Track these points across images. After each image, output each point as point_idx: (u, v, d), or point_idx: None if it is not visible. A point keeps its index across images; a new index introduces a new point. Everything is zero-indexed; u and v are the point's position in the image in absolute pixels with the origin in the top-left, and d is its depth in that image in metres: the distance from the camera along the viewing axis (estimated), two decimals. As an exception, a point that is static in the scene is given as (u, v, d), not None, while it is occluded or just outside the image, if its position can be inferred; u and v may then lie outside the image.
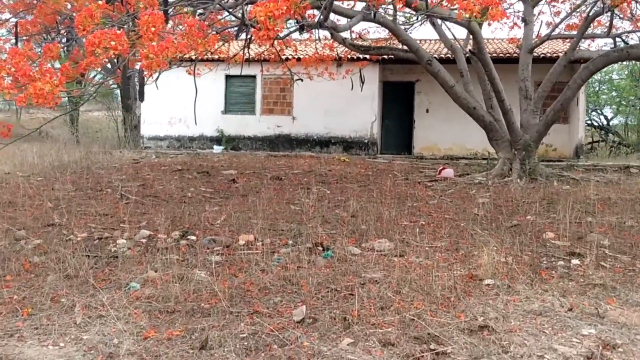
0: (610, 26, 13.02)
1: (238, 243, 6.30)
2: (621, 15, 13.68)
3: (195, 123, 15.44)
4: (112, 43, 4.43)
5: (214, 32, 12.14)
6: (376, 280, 5.05)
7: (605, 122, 28.30)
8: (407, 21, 14.07)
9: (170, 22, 8.00)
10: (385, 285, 4.92)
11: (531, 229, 7.28)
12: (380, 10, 11.27)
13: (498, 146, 12.80)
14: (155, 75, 7.20)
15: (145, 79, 15.37)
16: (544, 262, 5.84)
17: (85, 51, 4.85)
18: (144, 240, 6.48)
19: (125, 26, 5.81)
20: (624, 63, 23.62)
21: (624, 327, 4.17)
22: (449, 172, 12.36)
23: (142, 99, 19.48)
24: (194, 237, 6.59)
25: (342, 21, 11.31)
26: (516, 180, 11.39)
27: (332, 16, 10.59)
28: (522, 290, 4.91)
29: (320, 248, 6.11)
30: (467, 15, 4.86)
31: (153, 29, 4.58)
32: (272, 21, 4.28)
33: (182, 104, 18.71)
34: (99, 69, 22.57)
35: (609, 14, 12.50)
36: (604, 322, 4.26)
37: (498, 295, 4.78)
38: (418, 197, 9.67)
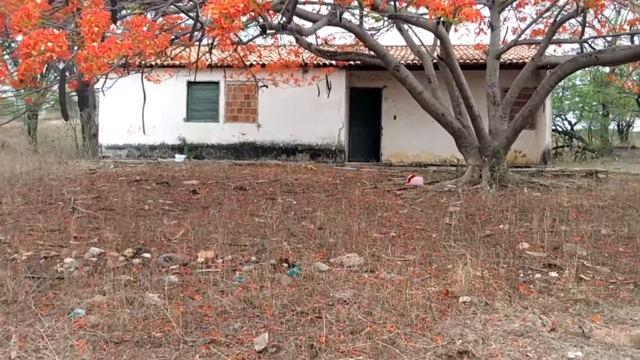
0: (583, 30, 12.92)
1: (196, 261, 5.84)
2: (589, 20, 13.61)
3: (144, 132, 14.97)
4: (49, 44, 3.96)
5: (168, 34, 11.66)
6: (345, 301, 4.67)
7: (569, 128, 28.59)
8: (374, 27, 13.76)
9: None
10: (356, 306, 4.54)
11: (505, 239, 7.00)
12: (347, 15, 10.97)
13: (467, 153, 12.59)
14: (100, 81, 6.68)
15: (92, 84, 14.81)
16: (521, 275, 5.54)
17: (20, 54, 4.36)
18: (93, 259, 5.97)
19: (67, 27, 5.33)
20: (587, 69, 23.82)
21: (612, 349, 3.86)
22: (418, 180, 12.08)
23: (84, 105, 18.77)
24: (148, 255, 6.10)
25: (308, 25, 10.96)
26: (486, 187, 11.16)
27: (297, 20, 10.24)
28: (501, 307, 4.58)
29: (286, 264, 5.70)
30: (439, 16, 4.54)
31: (96, 29, 4.12)
32: (227, 19, 3.87)
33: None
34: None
35: (579, 18, 12.41)
36: (590, 342, 3.95)
37: (476, 314, 4.44)
38: (388, 207, 9.34)
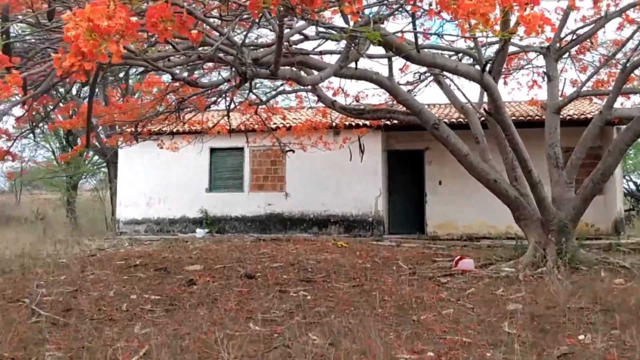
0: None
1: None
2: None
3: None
4: None
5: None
6: None
7: (634, 189, 25.73)
8: (409, 81, 12.02)
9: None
10: None
11: (592, 363, 4.83)
12: (370, 64, 9.28)
13: (527, 227, 10.41)
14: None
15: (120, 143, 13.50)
16: None
17: None
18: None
19: None
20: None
21: None
22: (468, 263, 9.90)
23: (114, 176, 17.37)
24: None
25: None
26: (553, 271, 8.90)
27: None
28: None
29: None
30: (480, 27, 2.72)
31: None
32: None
33: (162, 182, 16.74)
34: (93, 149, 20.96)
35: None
36: None
37: None
38: (427, 304, 7.23)
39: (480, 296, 7.76)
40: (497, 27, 4.28)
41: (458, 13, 2.84)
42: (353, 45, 5.85)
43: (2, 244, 13.14)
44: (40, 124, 16.51)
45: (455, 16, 2.99)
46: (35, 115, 11.44)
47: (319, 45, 8.17)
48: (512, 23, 6.59)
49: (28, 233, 16.16)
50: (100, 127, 18.03)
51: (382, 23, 6.70)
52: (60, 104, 14.24)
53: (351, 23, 3.98)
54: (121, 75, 16.55)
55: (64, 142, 24.97)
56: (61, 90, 14.63)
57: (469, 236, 15.47)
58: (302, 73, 7.80)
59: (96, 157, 25.21)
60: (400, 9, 6.44)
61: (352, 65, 7.39)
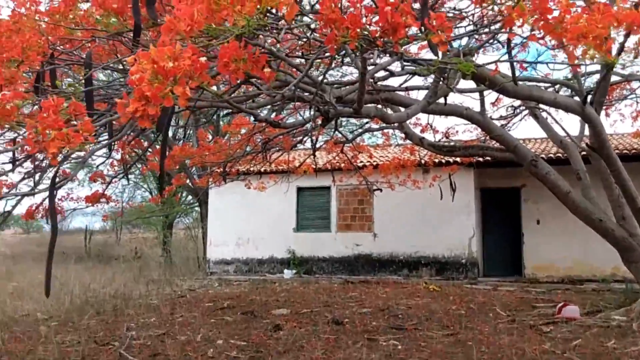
0: None
1: None
2: None
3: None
4: None
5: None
6: None
7: None
8: (502, 115, 11.48)
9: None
10: None
11: None
12: (461, 99, 8.85)
13: (638, 270, 9.46)
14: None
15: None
16: None
17: None
18: None
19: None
20: None
21: None
22: (572, 310, 9.07)
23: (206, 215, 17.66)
24: None
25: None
26: (674, 321, 7.97)
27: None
28: None
29: None
30: (590, 52, 2.34)
31: None
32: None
33: (250, 222, 16.86)
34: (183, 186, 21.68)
35: None
36: None
37: None
38: (529, 357, 6.60)
39: (589, 349, 7.01)
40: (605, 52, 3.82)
41: (565, 37, 2.47)
42: (442, 79, 5.51)
43: (99, 284, 13.52)
44: (135, 166, 17.12)
45: (560, 42, 2.62)
46: (130, 157, 11.83)
47: (405, 81, 7.89)
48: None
49: (124, 272, 16.63)
50: (193, 168, 18.51)
51: (473, 56, 6.34)
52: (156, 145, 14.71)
53: (439, 55, 3.70)
54: (212, 117, 16.95)
55: (158, 183, 25.94)
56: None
57: (571, 279, 14.39)
58: (388, 110, 7.52)
59: (189, 197, 26.01)
60: (492, 40, 6.06)
61: (441, 100, 7.04)
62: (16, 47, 3.23)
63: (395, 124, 10.19)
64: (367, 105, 5.87)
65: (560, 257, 14.86)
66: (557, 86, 10.28)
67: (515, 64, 5.96)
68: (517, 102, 11.22)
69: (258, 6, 2.09)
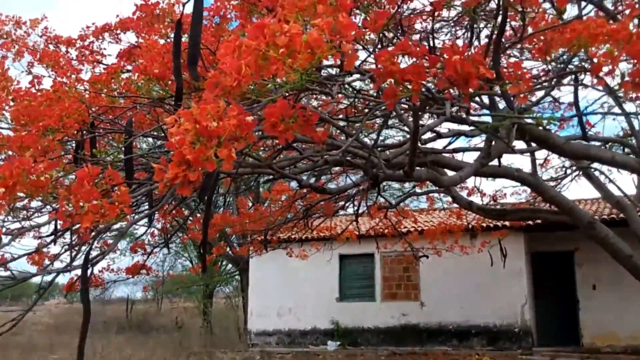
0: None
1: None
2: None
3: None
4: None
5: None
6: None
7: None
8: (552, 177, 11.04)
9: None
10: None
11: None
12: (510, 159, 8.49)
13: None
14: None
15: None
16: None
17: None
18: None
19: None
20: None
21: None
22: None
23: (246, 285, 17.30)
24: None
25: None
26: None
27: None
28: None
29: None
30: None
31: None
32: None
33: (291, 291, 16.46)
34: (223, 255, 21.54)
35: None
36: None
37: None
38: None
39: None
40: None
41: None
42: (504, 137, 5.19)
43: (139, 358, 13.21)
44: (176, 235, 17.06)
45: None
46: (171, 227, 11.75)
47: (449, 143, 7.59)
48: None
49: (165, 344, 16.31)
50: (233, 236, 18.35)
51: (531, 113, 6.04)
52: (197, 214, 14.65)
53: (514, 107, 3.41)
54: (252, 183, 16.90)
55: (199, 252, 25.84)
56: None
57: (635, 349, 13.40)
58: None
59: (229, 266, 25.78)
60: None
61: (494, 162, 6.70)
62: (54, 116, 3.08)
63: (443, 188, 9.86)
64: (418, 169, 5.59)
65: (621, 325, 13.94)
66: (608, 144, 9.88)
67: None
68: (567, 162, 10.82)
69: (312, 58, 1.85)
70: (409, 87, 2.18)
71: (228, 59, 1.82)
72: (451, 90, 2.09)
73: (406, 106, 3.70)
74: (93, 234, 2.63)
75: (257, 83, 1.83)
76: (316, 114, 2.34)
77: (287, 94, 2.19)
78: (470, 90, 2.07)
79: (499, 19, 3.01)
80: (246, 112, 2.10)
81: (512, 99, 2.41)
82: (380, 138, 10.54)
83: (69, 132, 3.05)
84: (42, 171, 2.63)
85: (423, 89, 2.10)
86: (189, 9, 3.47)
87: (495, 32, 2.51)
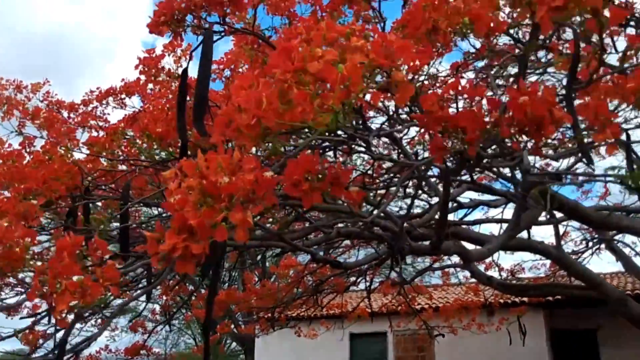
0: None
1: None
2: None
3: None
4: None
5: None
6: None
7: None
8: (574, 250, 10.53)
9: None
10: None
11: None
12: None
13: None
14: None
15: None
16: None
17: None
18: None
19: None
20: None
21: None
22: None
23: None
24: None
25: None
26: None
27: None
28: None
29: None
30: None
31: None
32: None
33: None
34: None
35: None
36: None
37: None
38: None
39: None
40: None
41: None
42: (536, 205, 4.76)
43: None
44: (178, 313, 16.40)
45: None
46: (174, 304, 11.19)
47: (466, 214, 7.16)
48: None
49: None
50: (238, 314, 17.62)
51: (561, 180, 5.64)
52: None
53: (594, 164, 3.01)
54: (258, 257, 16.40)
55: (203, 331, 25.02)
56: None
57: None
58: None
59: (234, 344, 24.80)
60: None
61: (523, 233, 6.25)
62: (37, 178, 2.68)
63: (461, 262, 9.36)
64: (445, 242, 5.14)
65: (654, 411, 13.01)
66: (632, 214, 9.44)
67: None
68: (588, 234, 10.37)
69: (348, 96, 1.45)
70: (463, 136, 1.78)
71: (244, 92, 1.40)
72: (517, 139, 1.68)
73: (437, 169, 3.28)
74: (72, 318, 2.17)
75: (279, 124, 1.41)
76: (348, 171, 1.92)
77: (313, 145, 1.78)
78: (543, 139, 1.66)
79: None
80: (264, 166, 1.69)
81: (589, 150, 2.02)
82: (396, 207, 10.14)
83: (54, 196, 2.64)
84: (15, 240, 2.19)
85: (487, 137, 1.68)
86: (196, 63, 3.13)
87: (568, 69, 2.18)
